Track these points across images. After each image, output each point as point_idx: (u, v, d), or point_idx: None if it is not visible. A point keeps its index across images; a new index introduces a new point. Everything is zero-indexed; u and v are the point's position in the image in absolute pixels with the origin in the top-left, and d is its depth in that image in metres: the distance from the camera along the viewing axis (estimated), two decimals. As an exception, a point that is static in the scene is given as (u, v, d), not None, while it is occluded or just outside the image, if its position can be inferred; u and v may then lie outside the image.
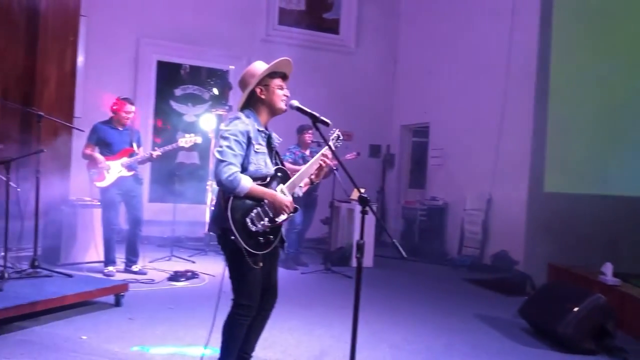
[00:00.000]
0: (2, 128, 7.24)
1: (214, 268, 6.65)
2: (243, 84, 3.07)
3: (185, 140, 6.18)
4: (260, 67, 3.05)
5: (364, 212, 2.77)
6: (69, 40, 8.70)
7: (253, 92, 3.02)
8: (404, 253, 2.77)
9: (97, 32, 8.88)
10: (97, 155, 5.96)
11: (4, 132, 7.17)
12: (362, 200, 2.76)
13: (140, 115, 8.96)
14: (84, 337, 4.01)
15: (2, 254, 4.90)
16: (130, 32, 9.11)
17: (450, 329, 4.92)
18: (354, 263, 2.87)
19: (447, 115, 9.47)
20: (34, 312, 4.23)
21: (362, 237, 2.75)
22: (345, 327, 4.46)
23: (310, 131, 6.99)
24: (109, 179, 5.97)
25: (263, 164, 2.98)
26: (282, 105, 3.03)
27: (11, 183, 4.90)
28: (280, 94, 3.03)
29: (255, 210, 2.88)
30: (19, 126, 8.18)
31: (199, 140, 6.27)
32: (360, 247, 2.74)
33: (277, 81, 3.02)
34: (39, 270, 5.06)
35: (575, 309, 4.50)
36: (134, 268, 6.21)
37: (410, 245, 9.00)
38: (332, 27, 10.68)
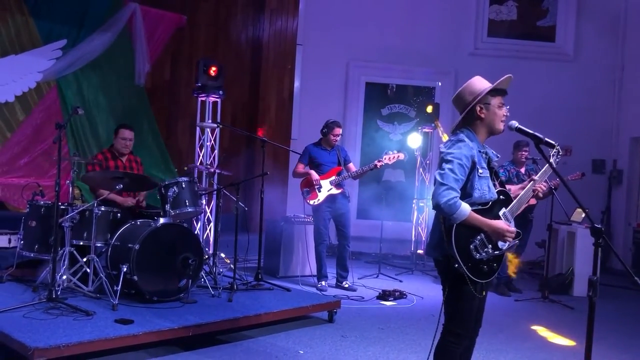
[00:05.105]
0: (231, 152, 8.11)
1: (421, 289, 6.56)
2: (461, 101, 2.89)
3: (389, 157, 6.19)
4: (479, 83, 2.87)
5: (597, 245, 2.45)
6: (286, 68, 9.48)
7: (472, 110, 2.86)
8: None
9: (311, 59, 9.48)
10: (312, 171, 6.29)
11: (232, 155, 8.02)
12: (595, 232, 2.45)
13: (349, 135, 9.35)
14: (301, 352, 4.22)
15: (232, 265, 5.44)
16: (340, 56, 9.55)
17: None
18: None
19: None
20: (258, 323, 4.58)
21: (595, 272, 2.45)
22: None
23: (526, 148, 6.56)
24: (321, 196, 6.26)
25: (487, 188, 2.83)
26: (501, 126, 2.87)
27: (240, 203, 5.43)
28: (501, 113, 2.85)
29: (479, 237, 2.75)
30: (245, 149, 9.10)
31: (402, 156, 6.24)
32: (594, 285, 2.44)
33: (498, 100, 2.85)
34: (261, 283, 5.53)
35: None
36: (345, 284, 6.40)
37: (644, 274, 7.88)
38: (548, 35, 9.94)
